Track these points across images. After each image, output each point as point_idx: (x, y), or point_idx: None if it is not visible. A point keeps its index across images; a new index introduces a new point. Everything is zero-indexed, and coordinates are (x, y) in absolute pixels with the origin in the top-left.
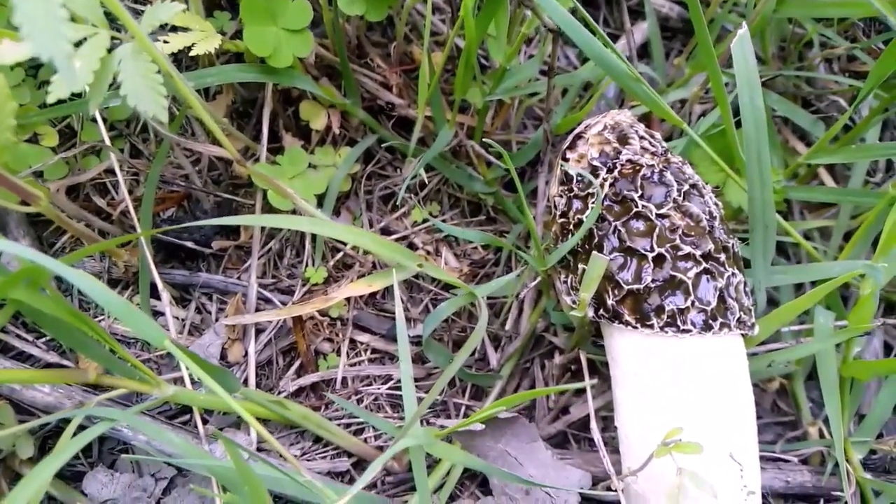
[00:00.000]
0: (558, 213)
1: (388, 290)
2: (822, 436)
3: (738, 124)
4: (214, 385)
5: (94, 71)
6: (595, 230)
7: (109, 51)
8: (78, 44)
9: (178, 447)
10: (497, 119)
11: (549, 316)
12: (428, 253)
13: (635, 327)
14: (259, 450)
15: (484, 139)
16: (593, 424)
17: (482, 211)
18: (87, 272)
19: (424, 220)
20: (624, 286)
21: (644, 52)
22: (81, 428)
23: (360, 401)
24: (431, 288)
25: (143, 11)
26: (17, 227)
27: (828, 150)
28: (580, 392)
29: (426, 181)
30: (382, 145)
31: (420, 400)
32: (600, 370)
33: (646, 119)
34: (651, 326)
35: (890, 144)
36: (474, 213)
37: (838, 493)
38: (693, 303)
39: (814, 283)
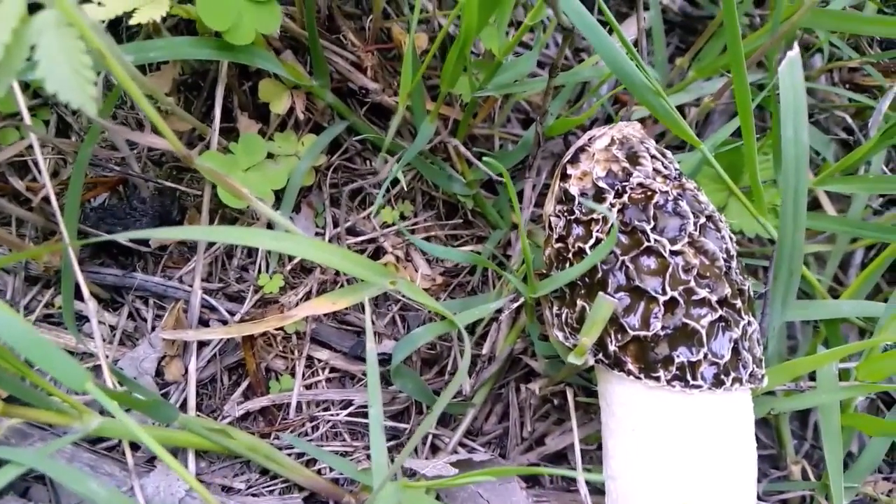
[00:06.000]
0: (555, 235)
1: None
2: (804, 476)
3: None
4: (148, 439)
5: (5, 45)
6: (599, 262)
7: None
8: None
9: (102, 500)
10: (480, 111)
11: (526, 336)
12: (398, 259)
13: (638, 377)
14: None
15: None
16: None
17: (459, 213)
18: None
19: (395, 223)
20: (629, 331)
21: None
22: None
23: (315, 427)
24: (399, 297)
25: None
26: None
27: (834, 179)
28: (558, 421)
29: (399, 177)
30: (355, 138)
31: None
32: (584, 402)
33: (639, 121)
34: (657, 379)
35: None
36: (450, 215)
37: None
38: (705, 355)
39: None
